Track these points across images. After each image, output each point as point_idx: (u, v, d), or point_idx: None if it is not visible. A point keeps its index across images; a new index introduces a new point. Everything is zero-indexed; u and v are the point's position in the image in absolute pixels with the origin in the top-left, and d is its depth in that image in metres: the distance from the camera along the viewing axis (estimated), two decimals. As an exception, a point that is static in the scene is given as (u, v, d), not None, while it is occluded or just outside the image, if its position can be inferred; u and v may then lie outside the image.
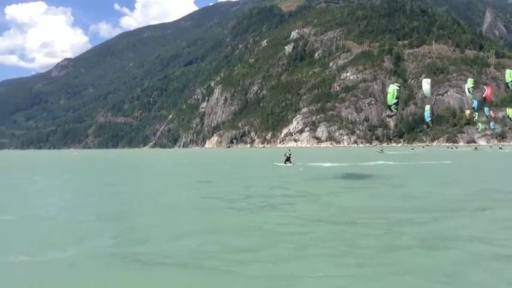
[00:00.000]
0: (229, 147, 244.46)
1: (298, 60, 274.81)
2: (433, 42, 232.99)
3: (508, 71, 37.92)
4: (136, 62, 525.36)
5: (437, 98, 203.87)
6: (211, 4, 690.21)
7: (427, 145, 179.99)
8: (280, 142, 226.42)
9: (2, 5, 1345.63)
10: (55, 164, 63.32)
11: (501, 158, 56.39)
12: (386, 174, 29.72)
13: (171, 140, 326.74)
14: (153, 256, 8.23)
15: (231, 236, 9.98)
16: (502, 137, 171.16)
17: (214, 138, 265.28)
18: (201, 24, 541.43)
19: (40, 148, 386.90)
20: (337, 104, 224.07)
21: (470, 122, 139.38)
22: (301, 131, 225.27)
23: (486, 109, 75.75)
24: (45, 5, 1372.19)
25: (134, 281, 6.98)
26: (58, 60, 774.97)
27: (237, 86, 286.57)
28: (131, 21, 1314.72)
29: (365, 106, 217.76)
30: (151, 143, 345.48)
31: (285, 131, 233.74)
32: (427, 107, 63.68)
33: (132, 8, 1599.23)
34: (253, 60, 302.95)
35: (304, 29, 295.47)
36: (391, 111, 29.37)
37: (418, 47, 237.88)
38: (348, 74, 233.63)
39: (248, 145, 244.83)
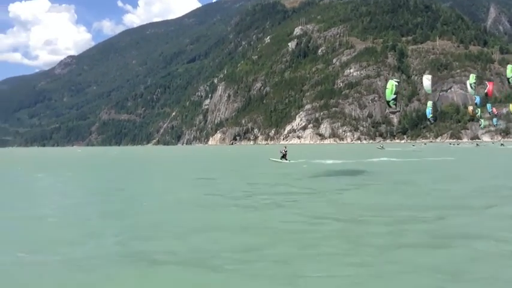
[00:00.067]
0: (232, 144, 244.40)
1: (301, 56, 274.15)
2: (437, 38, 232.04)
3: (509, 66, 37.10)
4: (139, 59, 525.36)
5: (441, 94, 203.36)
6: (214, 1, 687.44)
7: (431, 141, 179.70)
8: (283, 139, 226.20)
9: (6, 2, 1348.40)
10: (59, 162, 63.47)
11: (501, 154, 56.08)
12: (390, 170, 29.65)
13: (175, 137, 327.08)
14: (158, 254, 8.22)
15: (234, 233, 9.95)
16: (506, 133, 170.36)
17: (218, 135, 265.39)
18: (204, 21, 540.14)
19: (44, 145, 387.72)
20: (340, 101, 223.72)
21: (474, 118, 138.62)
22: (304, 128, 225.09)
23: (489, 105, 75.23)
24: (49, 2, 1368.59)
25: (138, 280, 6.97)
26: (61, 57, 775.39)
27: (240, 83, 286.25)
28: (134, 18, 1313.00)
29: (368, 102, 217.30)
30: (154, 140, 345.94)
31: (288, 127, 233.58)
32: (429, 103, 63.16)
33: (135, 5, 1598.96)
34: (256, 57, 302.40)
35: (308, 26, 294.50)
36: (390, 107, 29.14)
37: (421, 43, 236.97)
38: (352, 71, 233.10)
39: (251, 142, 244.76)
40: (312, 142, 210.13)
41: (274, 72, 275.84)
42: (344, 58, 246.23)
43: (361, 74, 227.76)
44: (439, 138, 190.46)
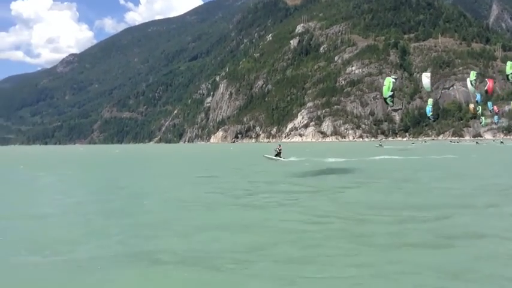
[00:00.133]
0: (234, 142, 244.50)
1: (303, 54, 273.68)
2: (439, 35, 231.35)
3: (509, 63, 36.64)
4: (141, 57, 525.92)
5: (443, 91, 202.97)
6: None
7: (432, 139, 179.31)
8: (285, 137, 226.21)
9: (8, 0, 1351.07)
10: (61, 160, 63.57)
11: (500, 152, 55.92)
12: (391, 168, 29.57)
13: (176, 135, 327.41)
14: (159, 253, 8.20)
15: (236, 232, 9.94)
16: (508, 130, 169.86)
17: (220, 133, 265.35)
18: (206, 18, 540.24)
19: (46, 144, 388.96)
20: (342, 98, 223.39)
21: (476, 116, 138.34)
22: (306, 126, 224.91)
23: (489, 104, 75.00)
24: (51, 0, 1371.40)
25: (139, 279, 6.96)
26: (63, 55, 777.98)
27: (242, 81, 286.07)
28: (136, 16, 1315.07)
29: (370, 100, 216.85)
30: (156, 138, 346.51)
31: (290, 125, 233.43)
32: (430, 101, 63.01)
33: (137, 2, 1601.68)
34: (258, 54, 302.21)
35: (310, 23, 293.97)
36: (387, 103, 29.15)
37: (424, 40, 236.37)
38: (353, 68, 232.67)
39: (253, 140, 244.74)
40: (313, 140, 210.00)
41: (276, 70, 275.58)
42: (346, 56, 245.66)
43: (363, 71, 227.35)
44: (441, 136, 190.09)
